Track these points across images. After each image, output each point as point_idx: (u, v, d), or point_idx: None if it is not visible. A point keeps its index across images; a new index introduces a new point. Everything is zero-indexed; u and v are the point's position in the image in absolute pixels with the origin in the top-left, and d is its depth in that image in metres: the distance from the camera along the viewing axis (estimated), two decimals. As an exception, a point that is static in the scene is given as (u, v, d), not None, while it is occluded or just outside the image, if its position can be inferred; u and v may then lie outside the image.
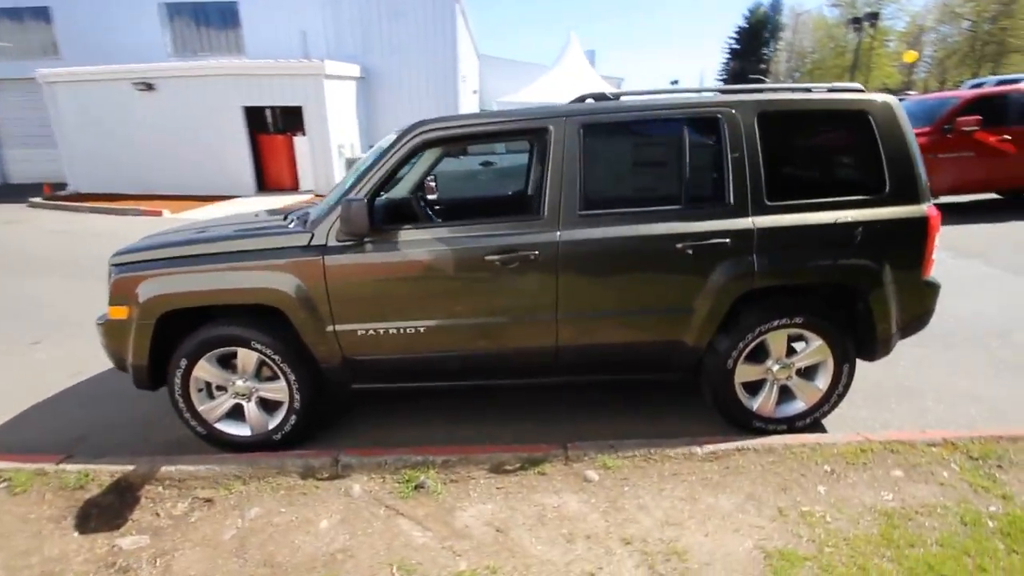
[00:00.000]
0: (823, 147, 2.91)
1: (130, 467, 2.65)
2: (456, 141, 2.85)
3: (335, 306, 2.71)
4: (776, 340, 2.85)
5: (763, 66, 41.93)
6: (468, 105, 18.17)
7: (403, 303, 2.74)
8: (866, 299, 2.78)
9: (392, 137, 2.84)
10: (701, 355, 2.85)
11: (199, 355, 2.78)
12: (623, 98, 2.84)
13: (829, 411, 2.97)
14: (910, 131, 2.79)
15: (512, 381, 2.93)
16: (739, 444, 2.71)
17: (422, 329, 2.75)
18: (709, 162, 2.74)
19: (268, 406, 2.93)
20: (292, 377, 2.81)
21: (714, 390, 2.91)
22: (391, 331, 2.75)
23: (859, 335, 2.88)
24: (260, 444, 2.90)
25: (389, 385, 2.91)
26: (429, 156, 3.82)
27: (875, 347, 2.89)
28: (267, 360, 2.79)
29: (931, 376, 3.59)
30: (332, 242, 2.70)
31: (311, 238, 2.72)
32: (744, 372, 2.89)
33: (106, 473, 2.63)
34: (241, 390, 2.87)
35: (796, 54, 43.07)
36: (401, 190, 3.82)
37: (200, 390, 2.87)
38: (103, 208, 12.06)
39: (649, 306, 2.76)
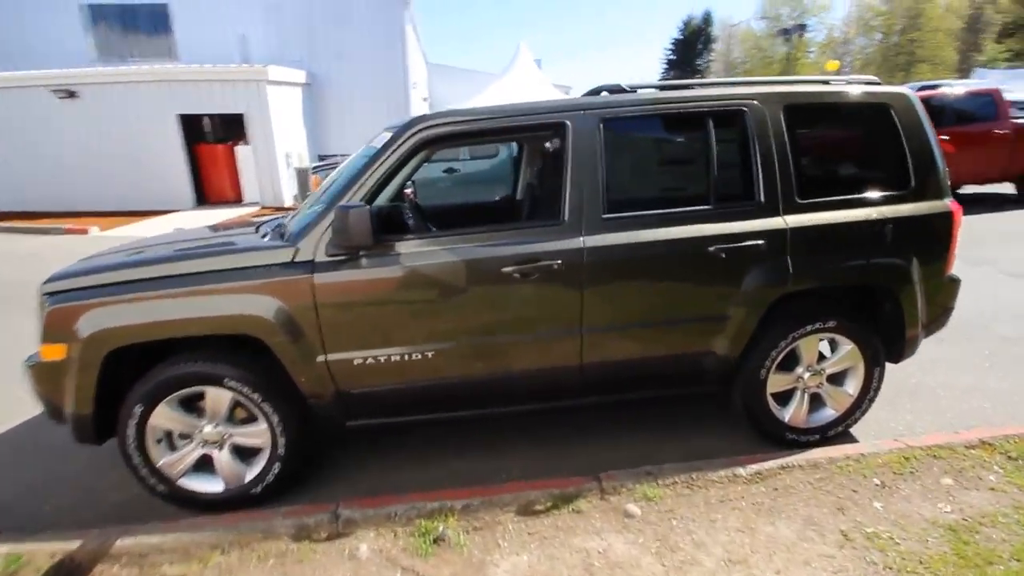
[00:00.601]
0: (848, 142, 2.75)
1: (75, 543, 2.13)
2: (460, 139, 2.51)
3: (327, 332, 2.30)
4: (808, 346, 2.65)
5: (699, 75, 43.54)
6: (419, 112, 17.60)
7: (408, 325, 2.35)
8: (896, 298, 2.63)
9: (386, 136, 2.46)
10: (733, 365, 2.62)
11: (158, 399, 2.29)
12: (639, 91, 2.58)
13: (860, 417, 2.80)
14: (930, 125, 2.68)
15: (532, 406, 2.60)
16: (783, 462, 2.49)
17: (430, 354, 2.38)
18: (736, 158, 2.52)
19: (245, 454, 2.46)
20: (275, 418, 2.36)
21: (746, 402, 2.68)
22: (393, 358, 2.36)
23: (885, 336, 2.74)
24: (238, 500, 2.42)
25: (391, 420, 2.50)
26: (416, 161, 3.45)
27: (903, 348, 2.75)
28: (243, 400, 2.34)
29: (934, 373, 3.52)
30: (322, 257, 2.28)
31: (295, 253, 2.29)
32: (775, 382, 2.68)
33: (44, 553, 2.10)
34: (211, 437, 2.39)
35: (728, 64, 44.99)
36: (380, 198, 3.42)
37: (159, 441, 2.37)
38: (20, 228, 10.80)
39: (680, 316, 2.50)
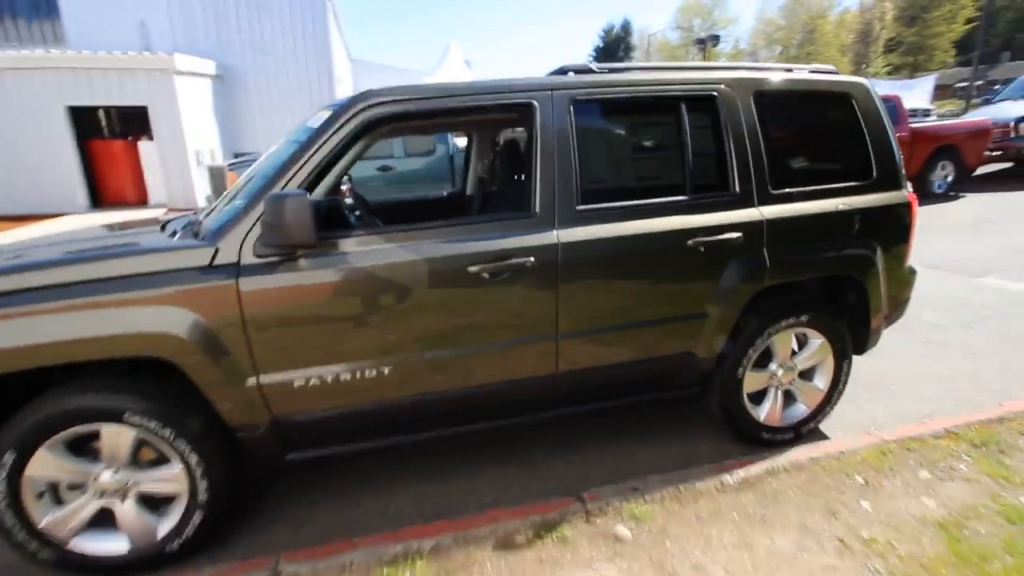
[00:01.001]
0: (814, 131, 2.67)
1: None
2: (414, 119, 2.16)
3: (259, 349, 1.89)
4: (781, 342, 2.55)
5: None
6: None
7: (359, 337, 1.99)
8: (864, 289, 2.59)
9: (323, 116, 2.08)
10: (711, 366, 2.46)
11: (36, 443, 1.79)
12: (609, 73, 2.36)
13: (829, 412, 2.74)
14: (887, 115, 2.66)
15: (502, 422, 2.30)
16: (768, 466, 2.35)
17: (386, 370, 2.03)
18: (710, 147, 2.36)
19: (156, 503, 1.99)
20: (193, 458, 1.91)
21: (723, 403, 2.54)
22: (342, 376, 1.99)
23: (851, 328, 2.69)
24: (151, 561, 1.96)
25: (341, 449, 2.12)
26: (360, 146, 3.06)
27: (867, 339, 2.72)
28: (150, 437, 1.88)
29: (881, 363, 3.59)
30: (249, 258, 1.88)
31: (215, 254, 1.87)
32: (751, 380, 2.55)
33: None
34: (110, 486, 1.91)
35: (647, 71, 46.75)
36: (319, 190, 3.00)
37: (40, 495, 1.87)
38: None
39: (659, 315, 2.31)
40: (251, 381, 1.91)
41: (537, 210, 2.11)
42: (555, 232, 2.10)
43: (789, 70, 2.63)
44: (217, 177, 9.94)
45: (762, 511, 2.14)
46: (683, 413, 2.93)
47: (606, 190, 2.25)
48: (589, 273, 2.16)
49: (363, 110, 1.99)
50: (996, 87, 17.96)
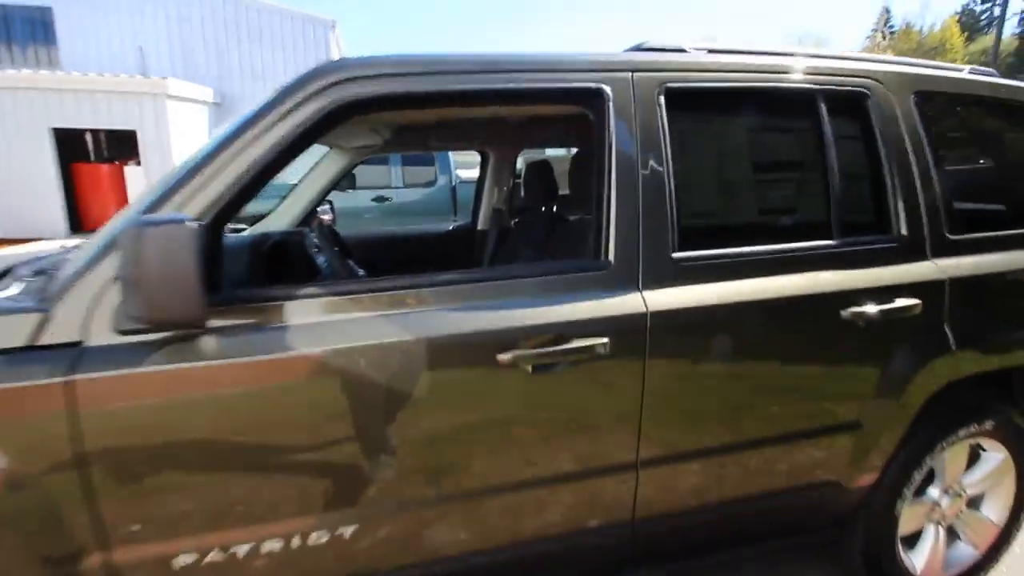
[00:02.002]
0: (1002, 153, 1.88)
1: None
2: (409, 107, 1.34)
3: (112, 499, 1.00)
4: (953, 459, 1.67)
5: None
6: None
7: (308, 477, 1.11)
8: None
9: (270, 96, 1.24)
10: (859, 499, 1.58)
11: None
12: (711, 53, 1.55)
13: (1001, 556, 1.85)
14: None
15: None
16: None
17: (348, 532, 1.13)
18: (859, 166, 1.54)
19: None
20: None
21: (869, 552, 1.64)
22: (269, 548, 1.09)
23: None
24: None
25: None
26: (340, 159, 2.25)
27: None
28: None
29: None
30: (105, 336, 1.01)
31: (39, 325, 1.00)
32: (908, 517, 1.67)
33: None
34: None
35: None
36: (284, 220, 2.16)
37: None
38: None
39: (793, 428, 1.44)
40: (93, 559, 1.01)
41: (611, 257, 1.26)
42: (641, 295, 1.25)
43: (959, 70, 1.84)
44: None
45: None
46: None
47: (715, 228, 1.42)
48: (693, 361, 1.30)
49: (327, 88, 1.15)
50: None
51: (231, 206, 1.10)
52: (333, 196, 6.72)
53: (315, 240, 1.65)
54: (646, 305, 1.23)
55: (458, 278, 1.19)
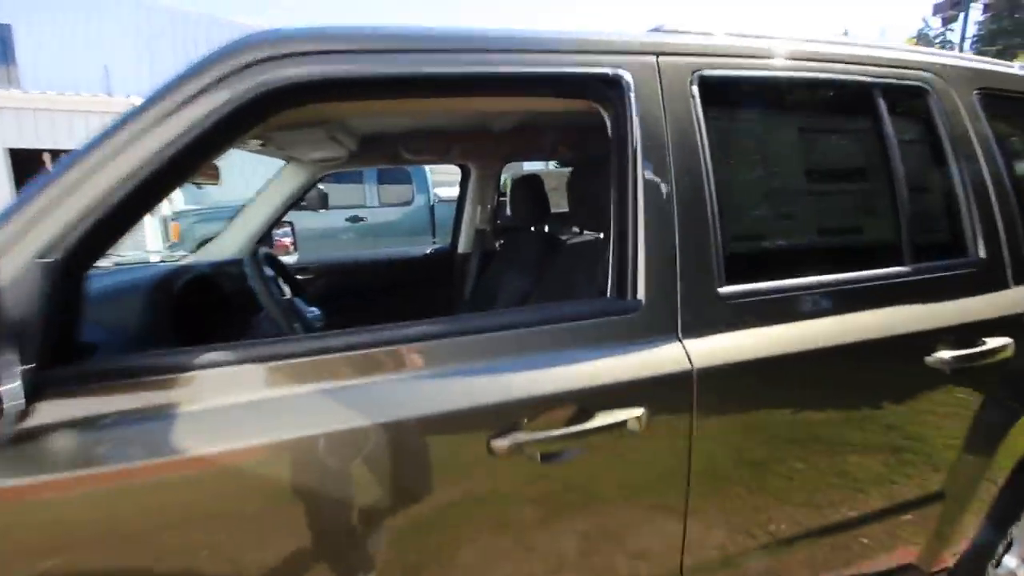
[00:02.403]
0: None
1: None
2: (368, 95, 0.99)
3: None
4: (1037, 525, 1.38)
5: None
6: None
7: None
8: None
9: (166, 80, 0.89)
10: (938, 585, 1.26)
11: None
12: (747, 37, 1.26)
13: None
14: None
15: None
16: None
17: None
18: (928, 174, 1.26)
19: None
20: None
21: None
22: None
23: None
24: None
25: None
26: (297, 175, 1.90)
27: None
28: None
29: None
30: None
31: None
32: (988, 597, 1.36)
33: None
34: None
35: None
36: (229, 247, 1.77)
37: None
38: None
39: (870, 506, 1.11)
40: None
41: (640, 295, 0.93)
42: (682, 345, 0.92)
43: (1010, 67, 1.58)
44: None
45: None
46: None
47: (768, 254, 1.11)
48: (752, 432, 0.97)
49: (250, 67, 0.81)
50: None
51: (98, 235, 0.74)
52: (303, 216, 6.33)
53: (251, 274, 1.26)
54: (690, 360, 0.90)
55: (433, 330, 0.84)
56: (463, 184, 2.45)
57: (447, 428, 0.79)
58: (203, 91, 0.79)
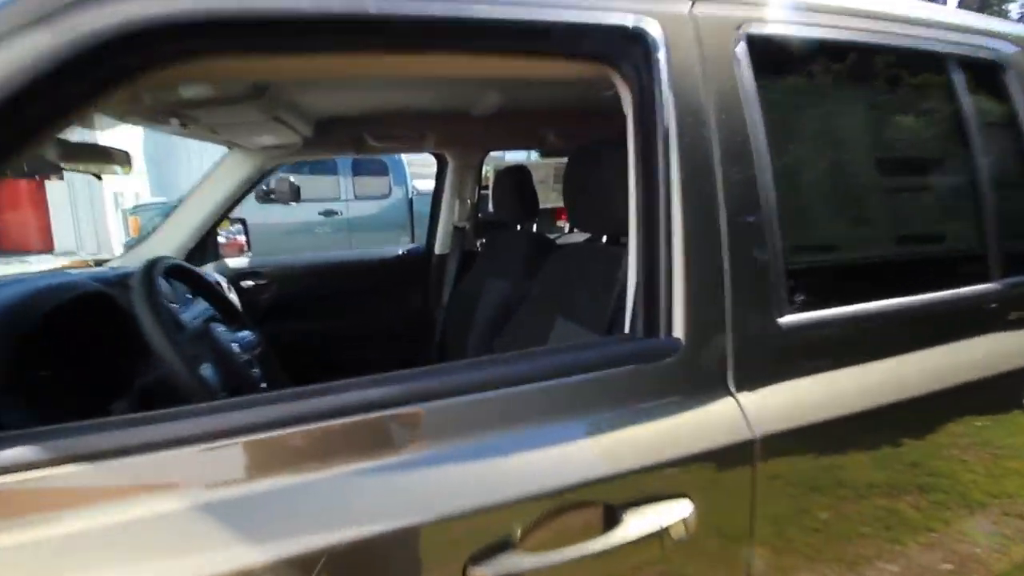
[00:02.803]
0: None
1: None
2: (299, 47, 0.69)
3: None
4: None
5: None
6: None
7: None
8: None
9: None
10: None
11: None
12: None
13: None
14: None
15: None
16: None
17: None
18: (1003, 165, 1.01)
19: None
20: None
21: None
22: None
23: None
24: None
25: None
26: (244, 163, 1.59)
27: None
28: None
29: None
30: None
31: None
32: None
33: None
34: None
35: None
36: (161, 251, 1.44)
37: None
38: None
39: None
40: None
41: (677, 331, 0.65)
42: (735, 401, 0.65)
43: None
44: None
45: None
46: None
47: (843, 270, 0.84)
48: (830, 513, 0.71)
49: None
50: None
51: None
52: (272, 210, 5.93)
53: (138, 294, 0.84)
54: (749, 423, 0.63)
55: (380, 396, 0.55)
56: (439, 176, 2.15)
57: (400, 553, 0.51)
58: (28, 26, 0.49)
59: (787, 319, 0.70)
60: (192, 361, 0.77)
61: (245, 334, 1.04)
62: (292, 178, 5.72)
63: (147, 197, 11.00)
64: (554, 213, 5.11)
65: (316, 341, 1.97)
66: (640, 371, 0.63)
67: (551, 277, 1.33)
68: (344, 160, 6.09)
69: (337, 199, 6.10)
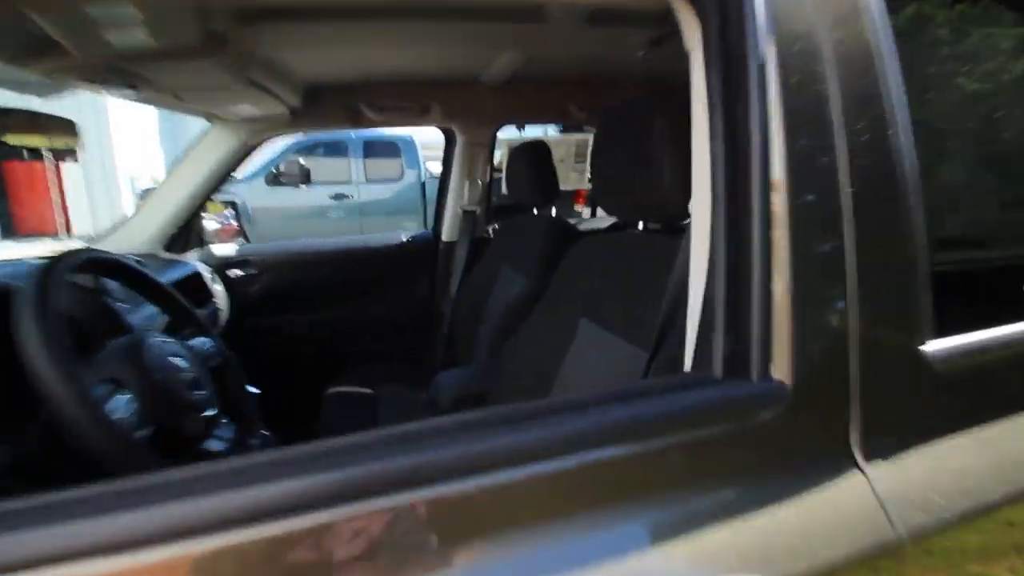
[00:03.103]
0: None
1: None
2: None
3: None
4: None
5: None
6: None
7: None
8: None
9: None
10: None
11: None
12: None
13: None
14: None
15: None
16: None
17: None
18: None
19: None
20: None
21: None
22: None
23: None
24: None
25: None
26: (227, 138, 1.40)
27: None
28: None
29: None
30: None
31: None
32: None
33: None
34: None
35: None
36: (139, 236, 1.25)
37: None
38: None
39: None
40: None
41: (779, 371, 0.43)
42: (867, 481, 0.43)
43: None
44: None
45: None
46: None
47: (1011, 270, 0.61)
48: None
49: None
50: None
51: None
52: (282, 193, 5.75)
53: (23, 303, 0.60)
54: (891, 521, 0.41)
55: (385, 478, 0.34)
56: (447, 154, 1.91)
57: None
58: None
59: (933, 346, 0.47)
60: (103, 391, 0.57)
61: (201, 342, 0.84)
62: (302, 160, 5.56)
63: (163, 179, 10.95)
64: (573, 196, 4.83)
65: (311, 335, 1.78)
66: (726, 434, 0.41)
67: (574, 271, 1.10)
68: (355, 141, 5.88)
69: (348, 182, 5.88)
